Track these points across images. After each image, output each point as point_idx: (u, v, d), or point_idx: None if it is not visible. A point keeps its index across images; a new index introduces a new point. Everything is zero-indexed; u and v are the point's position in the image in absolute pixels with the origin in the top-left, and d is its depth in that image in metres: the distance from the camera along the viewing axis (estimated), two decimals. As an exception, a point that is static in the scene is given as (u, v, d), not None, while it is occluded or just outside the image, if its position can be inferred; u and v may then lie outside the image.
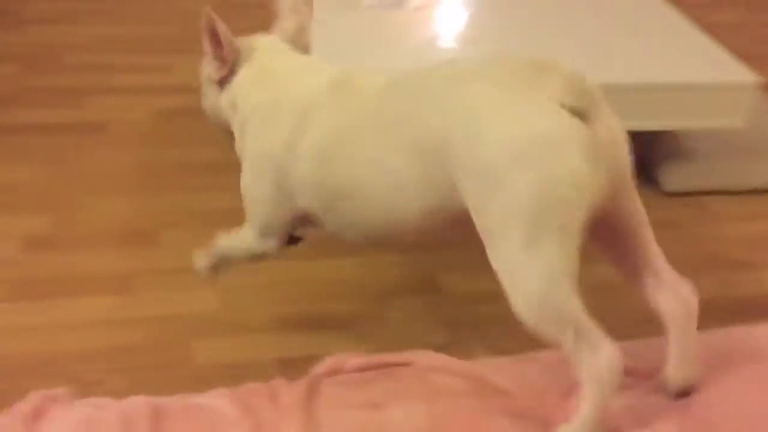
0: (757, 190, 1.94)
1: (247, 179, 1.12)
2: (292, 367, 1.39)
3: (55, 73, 2.15)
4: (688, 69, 1.74)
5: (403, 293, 1.56)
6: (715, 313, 1.56)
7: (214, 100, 1.16)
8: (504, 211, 0.82)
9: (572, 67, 0.86)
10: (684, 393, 0.90)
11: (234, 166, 1.83)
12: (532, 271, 0.82)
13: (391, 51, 1.69)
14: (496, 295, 1.55)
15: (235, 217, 1.68)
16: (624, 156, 0.88)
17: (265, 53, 1.12)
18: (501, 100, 0.84)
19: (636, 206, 0.91)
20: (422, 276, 1.61)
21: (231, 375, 1.34)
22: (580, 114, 0.83)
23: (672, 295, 0.91)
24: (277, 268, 1.58)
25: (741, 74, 1.73)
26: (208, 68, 1.14)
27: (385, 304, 1.53)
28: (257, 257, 1.17)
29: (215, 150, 1.91)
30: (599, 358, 0.81)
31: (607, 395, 0.81)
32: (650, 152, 1.92)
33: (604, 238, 0.90)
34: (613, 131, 0.87)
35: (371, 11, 1.86)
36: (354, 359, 0.92)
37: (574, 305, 0.82)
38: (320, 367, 0.96)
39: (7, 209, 1.66)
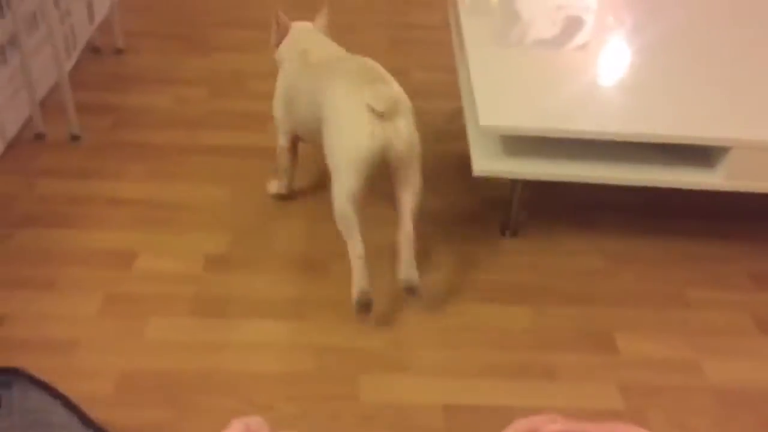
0: None
1: (274, 101, 1.76)
2: (458, 415, 1.35)
3: (240, 98, 2.25)
4: None
5: (577, 349, 1.48)
6: None
7: (275, 55, 1.79)
8: (329, 150, 1.50)
9: (393, 86, 1.53)
10: (410, 289, 1.49)
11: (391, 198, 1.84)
12: (335, 188, 1.48)
13: (551, 95, 1.64)
14: (678, 364, 1.44)
15: (396, 254, 1.68)
16: (400, 145, 1.46)
17: (296, 31, 1.78)
18: (345, 92, 1.49)
19: (410, 178, 1.50)
20: (598, 332, 1.52)
21: (396, 417, 1.32)
22: (378, 114, 1.43)
23: (402, 226, 1.51)
24: (447, 311, 1.55)
25: None
26: (273, 36, 1.78)
27: (556, 358, 1.46)
28: (281, 149, 1.79)
29: (382, 183, 1.92)
30: (353, 246, 1.47)
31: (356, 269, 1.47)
32: None
33: (393, 186, 1.52)
34: (399, 131, 1.46)
35: (528, 50, 1.82)
36: (552, 425, 0.86)
37: (350, 213, 1.47)
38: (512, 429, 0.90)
39: (192, 227, 1.74)
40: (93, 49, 2.42)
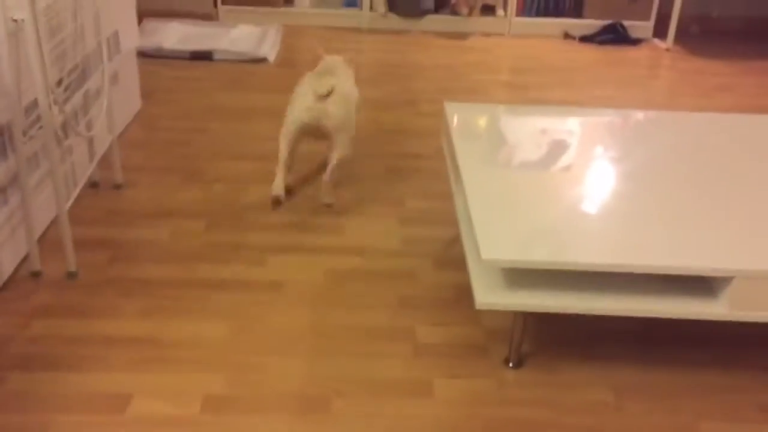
0: None
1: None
2: None
3: (237, 230, 2.26)
4: None
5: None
6: None
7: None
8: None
9: (339, 79, 2.36)
10: (327, 205, 2.39)
11: (404, 332, 1.82)
12: (281, 131, 2.39)
13: (552, 224, 1.66)
14: None
15: (404, 387, 1.65)
16: (328, 121, 2.29)
17: (325, 61, 2.48)
18: (303, 81, 2.40)
19: (335, 143, 2.33)
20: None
21: None
22: (317, 97, 2.28)
23: (325, 174, 2.38)
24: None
25: None
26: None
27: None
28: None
29: (386, 315, 1.91)
30: (280, 162, 2.38)
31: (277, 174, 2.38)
32: None
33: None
34: (328, 111, 2.28)
35: (525, 175, 1.85)
36: None
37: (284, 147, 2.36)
38: None
39: (189, 366, 1.69)
40: (92, 184, 2.45)
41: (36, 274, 1.98)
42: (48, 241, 2.11)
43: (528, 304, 1.61)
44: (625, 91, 3.66)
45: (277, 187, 2.34)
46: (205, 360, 1.72)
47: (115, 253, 2.11)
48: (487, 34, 4.50)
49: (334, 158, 2.34)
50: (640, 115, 2.42)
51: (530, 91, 3.60)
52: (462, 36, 4.45)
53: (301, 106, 2.30)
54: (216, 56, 3.78)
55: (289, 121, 2.34)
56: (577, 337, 1.86)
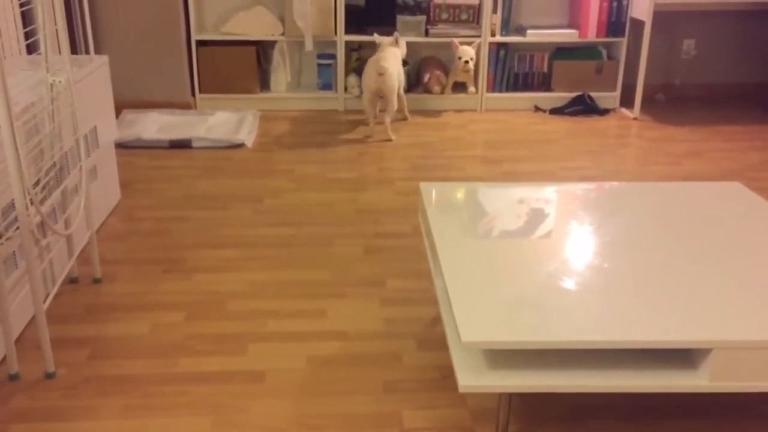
0: None
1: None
2: None
3: (218, 320, 2.25)
4: None
5: None
6: None
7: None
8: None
9: (388, 62, 3.97)
10: (390, 140, 4.06)
11: (390, 418, 1.80)
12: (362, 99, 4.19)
13: (531, 302, 1.67)
14: None
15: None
16: (384, 87, 3.94)
17: (381, 46, 4.10)
18: (369, 63, 4.05)
19: (387, 104, 4.00)
20: None
21: None
22: (378, 73, 3.92)
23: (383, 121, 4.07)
24: None
25: None
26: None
27: None
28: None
29: (370, 401, 1.89)
30: (369, 121, 4.18)
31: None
32: None
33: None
34: (384, 82, 3.92)
35: (502, 250, 1.87)
36: None
37: (368, 109, 4.09)
38: None
39: (171, 465, 1.66)
40: (71, 280, 2.44)
41: (14, 377, 1.94)
42: (26, 341, 2.09)
43: (511, 385, 1.60)
44: (596, 161, 3.74)
45: (369, 130, 4.11)
46: (187, 458, 1.68)
47: (94, 350, 2.09)
48: (460, 111, 4.62)
49: (388, 112, 4.01)
50: (613, 186, 2.48)
51: (504, 164, 3.68)
52: (435, 114, 4.55)
53: (369, 81, 3.93)
54: (195, 144, 3.84)
55: (366, 91, 3.98)
56: (564, 413, 1.85)
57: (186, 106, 4.44)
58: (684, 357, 1.64)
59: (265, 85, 4.59)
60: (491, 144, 4.02)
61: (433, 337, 2.18)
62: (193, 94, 4.48)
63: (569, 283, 1.77)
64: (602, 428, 1.79)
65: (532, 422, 1.81)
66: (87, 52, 3.30)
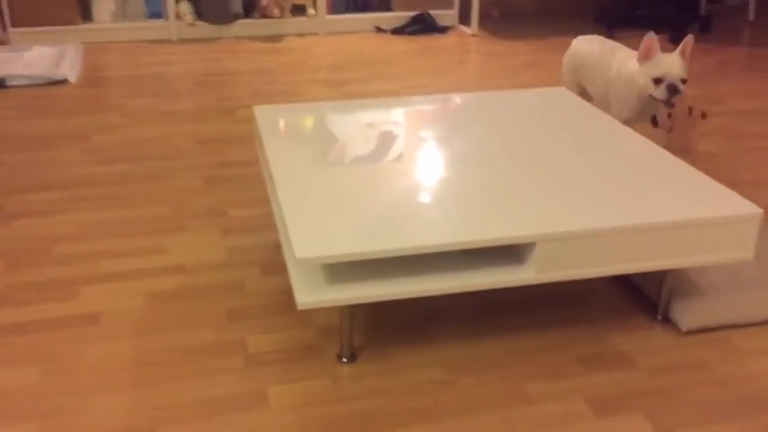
0: (777, 320, 1.88)
1: None
2: None
3: (44, 266, 2.10)
4: (691, 205, 1.72)
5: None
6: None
7: None
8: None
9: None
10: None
11: (233, 345, 1.76)
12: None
13: (366, 215, 1.67)
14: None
15: (238, 402, 1.59)
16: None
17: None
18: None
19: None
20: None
21: None
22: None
23: None
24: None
25: (746, 206, 1.72)
26: None
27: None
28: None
29: (213, 331, 1.84)
30: None
31: None
32: (660, 289, 1.87)
33: None
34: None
35: (337, 171, 1.86)
36: None
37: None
38: None
39: (-5, 421, 1.54)
40: None
41: None
42: None
43: (347, 297, 1.60)
44: (437, 78, 3.78)
45: None
46: (14, 412, 1.57)
47: None
48: (301, 35, 4.50)
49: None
50: (445, 97, 2.50)
51: (347, 86, 3.63)
52: (276, 38, 4.41)
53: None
54: (9, 82, 3.50)
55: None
56: (408, 322, 1.88)
57: (-2, 43, 4.04)
58: (513, 253, 1.70)
59: (86, 15, 4.24)
60: (334, 67, 3.96)
61: (277, 261, 2.14)
62: (4, 29, 4.06)
63: (401, 195, 1.78)
64: (445, 332, 1.85)
65: (377, 334, 1.84)
66: None
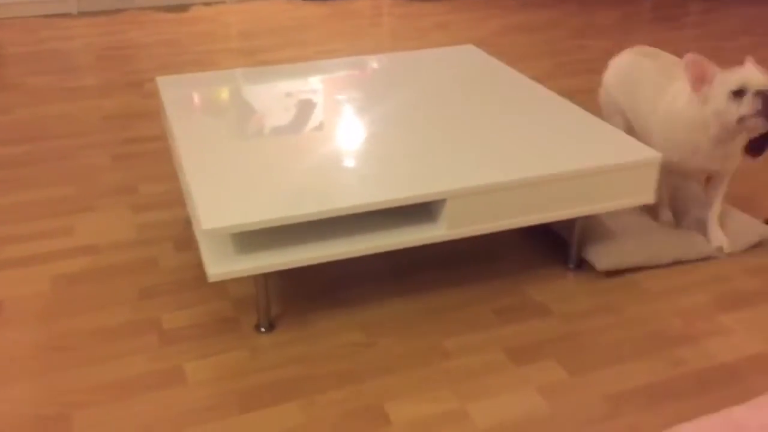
0: (680, 261, 1.95)
1: None
2: None
3: (-59, 255, 1.99)
4: (595, 154, 1.76)
5: (351, 434, 1.44)
6: (673, 393, 1.52)
7: None
8: None
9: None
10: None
11: (147, 324, 1.72)
12: None
13: (271, 182, 1.65)
14: (448, 417, 1.46)
15: (153, 380, 1.56)
16: None
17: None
18: None
19: None
20: (369, 408, 1.50)
21: None
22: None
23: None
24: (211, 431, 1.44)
25: (646, 152, 1.77)
26: None
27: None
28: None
29: (125, 311, 1.79)
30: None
31: None
32: (572, 236, 1.92)
33: None
34: None
35: (239, 135, 1.83)
36: None
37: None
38: None
39: None
40: None
41: None
42: None
43: (261, 266, 1.58)
44: (351, 42, 3.73)
45: None
46: None
47: None
48: (208, 3, 4.37)
49: None
50: (356, 61, 2.47)
51: (259, 54, 3.55)
52: (182, 8, 4.26)
53: None
54: None
55: None
56: (326, 288, 1.87)
57: None
58: (426, 212, 1.70)
59: (-23, -10, 4.00)
60: (245, 35, 3.86)
61: (190, 236, 2.09)
62: None
63: (305, 161, 1.76)
64: (363, 294, 1.84)
65: (295, 302, 1.82)
66: None
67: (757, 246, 2.02)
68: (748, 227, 2.04)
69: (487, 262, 1.97)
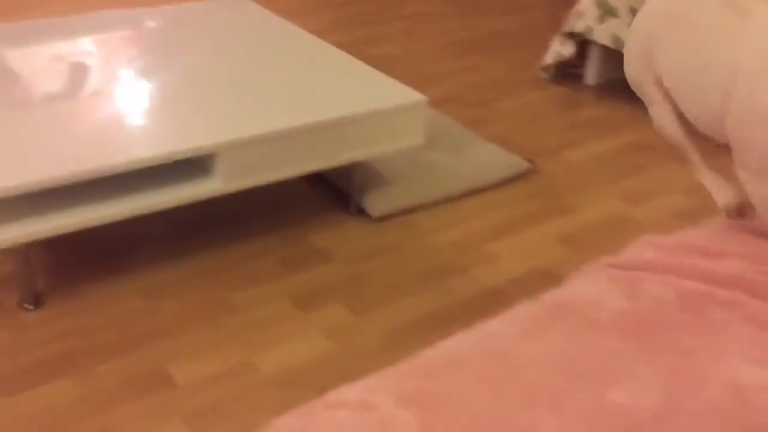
0: (451, 197, 2.07)
1: None
2: None
3: None
4: (365, 100, 1.80)
5: (135, 399, 1.39)
6: (445, 319, 1.62)
7: None
8: None
9: None
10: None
11: None
12: None
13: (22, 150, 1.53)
14: (235, 371, 1.45)
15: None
16: None
17: None
18: None
19: None
20: (152, 373, 1.45)
21: None
22: None
23: None
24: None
25: (413, 96, 1.84)
26: None
27: (113, 417, 1.35)
28: None
29: None
30: None
31: None
32: (351, 184, 1.96)
33: None
34: None
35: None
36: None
37: None
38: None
39: None
40: None
41: None
42: None
43: (13, 237, 1.45)
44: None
45: None
46: None
47: None
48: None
49: None
50: (119, 16, 2.32)
51: (34, 11, 3.22)
52: None
53: None
54: None
55: None
56: (101, 256, 1.77)
57: None
58: (201, 168, 1.65)
59: None
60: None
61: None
62: None
63: (57, 122, 1.63)
64: (142, 259, 1.77)
65: (67, 273, 1.70)
66: None
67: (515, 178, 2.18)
68: (506, 160, 2.20)
69: (270, 214, 1.96)
